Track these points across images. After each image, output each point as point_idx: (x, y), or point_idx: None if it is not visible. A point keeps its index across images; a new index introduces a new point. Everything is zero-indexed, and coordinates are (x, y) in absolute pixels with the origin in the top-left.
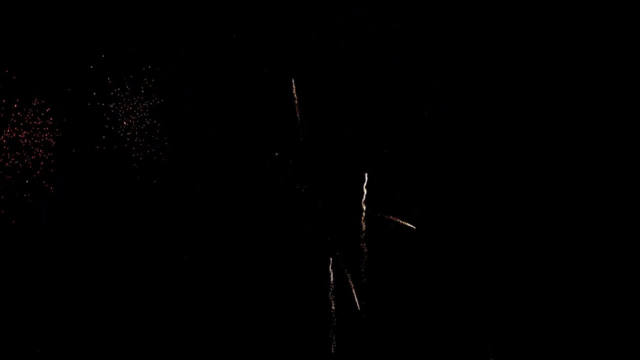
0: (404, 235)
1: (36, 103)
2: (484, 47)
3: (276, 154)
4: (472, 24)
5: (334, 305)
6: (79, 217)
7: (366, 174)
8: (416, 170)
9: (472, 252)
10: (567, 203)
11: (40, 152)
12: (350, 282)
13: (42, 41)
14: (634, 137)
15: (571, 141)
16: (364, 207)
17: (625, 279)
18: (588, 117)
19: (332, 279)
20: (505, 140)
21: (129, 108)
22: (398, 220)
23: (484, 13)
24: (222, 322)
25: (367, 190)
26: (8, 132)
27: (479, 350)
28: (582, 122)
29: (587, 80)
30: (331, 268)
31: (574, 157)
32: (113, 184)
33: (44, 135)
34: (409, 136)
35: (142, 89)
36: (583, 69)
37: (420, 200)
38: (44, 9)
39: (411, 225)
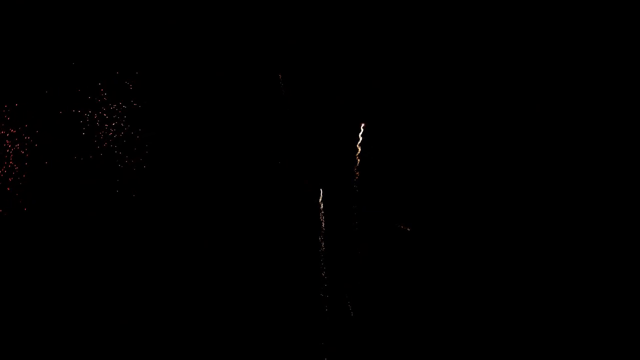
0: (399, 237)
1: (6, 110)
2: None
3: (279, 162)
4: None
5: (327, 309)
6: (54, 232)
7: (357, 171)
8: (412, 171)
9: (469, 253)
10: (567, 203)
11: (12, 164)
12: (344, 285)
13: (11, 45)
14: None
15: (571, 141)
16: (356, 206)
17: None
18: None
19: (325, 281)
20: (504, 139)
21: (105, 115)
22: (393, 221)
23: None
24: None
25: (358, 189)
26: None
27: (476, 350)
28: (581, 122)
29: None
30: (324, 269)
31: (573, 157)
32: (90, 196)
33: (16, 145)
34: (406, 135)
35: (120, 94)
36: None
37: (416, 202)
38: (12, 13)
39: (406, 227)
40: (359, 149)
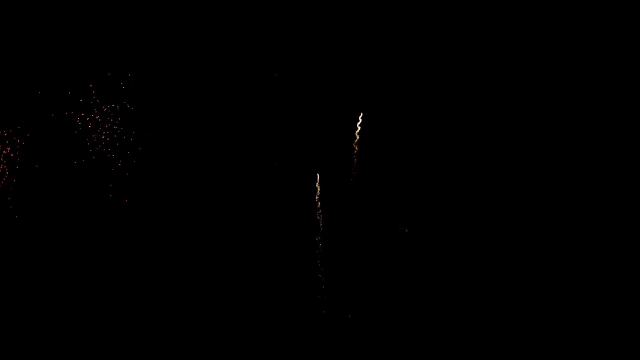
0: (399, 237)
1: None
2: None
3: (275, 163)
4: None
5: (325, 310)
6: (44, 239)
7: (355, 171)
8: (413, 171)
9: (470, 254)
10: (568, 203)
11: (1, 168)
12: (343, 286)
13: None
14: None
15: (572, 141)
16: (354, 205)
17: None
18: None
19: (324, 282)
20: (504, 139)
21: (97, 118)
22: (393, 221)
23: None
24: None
25: (357, 188)
26: None
27: (477, 350)
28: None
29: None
30: (322, 270)
31: (575, 157)
32: (82, 202)
33: (6, 149)
34: (406, 135)
35: (112, 96)
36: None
37: (416, 202)
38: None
39: (404, 228)
40: (356, 149)
